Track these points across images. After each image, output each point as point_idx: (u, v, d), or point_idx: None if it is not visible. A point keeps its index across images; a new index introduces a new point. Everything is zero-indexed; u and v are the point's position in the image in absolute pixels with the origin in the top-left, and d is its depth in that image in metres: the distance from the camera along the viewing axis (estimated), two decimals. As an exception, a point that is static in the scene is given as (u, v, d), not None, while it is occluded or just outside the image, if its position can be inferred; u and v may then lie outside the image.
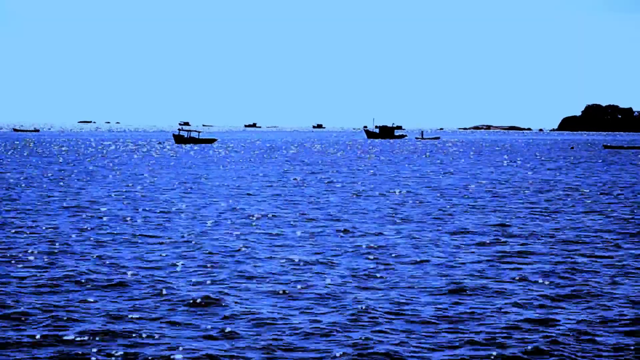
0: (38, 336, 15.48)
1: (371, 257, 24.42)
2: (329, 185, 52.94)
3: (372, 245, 26.61)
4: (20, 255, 24.02)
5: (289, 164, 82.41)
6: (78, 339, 15.36)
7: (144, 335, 15.58)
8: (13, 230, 29.26)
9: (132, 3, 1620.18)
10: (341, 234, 29.37)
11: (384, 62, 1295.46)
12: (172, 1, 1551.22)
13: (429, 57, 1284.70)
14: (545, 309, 18.21)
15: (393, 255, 24.83)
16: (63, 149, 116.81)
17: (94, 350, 14.71)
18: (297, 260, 23.72)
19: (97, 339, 15.34)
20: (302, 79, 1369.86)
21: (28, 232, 28.78)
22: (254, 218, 33.80)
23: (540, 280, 21.16)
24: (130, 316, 17.01)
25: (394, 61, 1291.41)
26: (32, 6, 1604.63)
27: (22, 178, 55.84)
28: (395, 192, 47.87)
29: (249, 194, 45.02)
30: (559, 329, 16.42)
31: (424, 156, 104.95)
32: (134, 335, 15.62)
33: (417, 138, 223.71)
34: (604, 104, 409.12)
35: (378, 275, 21.66)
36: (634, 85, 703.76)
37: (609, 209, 39.31)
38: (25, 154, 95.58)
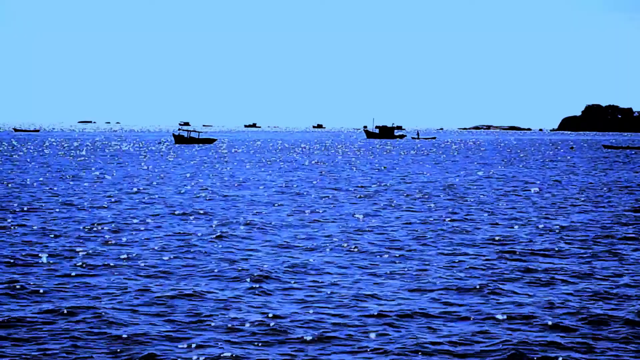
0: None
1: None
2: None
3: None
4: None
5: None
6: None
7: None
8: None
9: (132, 3, 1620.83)
10: None
11: (384, 63, 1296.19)
12: (172, 2, 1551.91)
13: (428, 57, 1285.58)
14: None
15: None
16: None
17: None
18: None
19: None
20: (302, 79, 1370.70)
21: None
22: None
23: None
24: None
25: (393, 61, 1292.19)
26: (32, 6, 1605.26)
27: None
28: None
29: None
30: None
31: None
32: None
33: (413, 138, 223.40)
34: (604, 104, 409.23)
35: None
36: (634, 85, 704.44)
37: None
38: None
